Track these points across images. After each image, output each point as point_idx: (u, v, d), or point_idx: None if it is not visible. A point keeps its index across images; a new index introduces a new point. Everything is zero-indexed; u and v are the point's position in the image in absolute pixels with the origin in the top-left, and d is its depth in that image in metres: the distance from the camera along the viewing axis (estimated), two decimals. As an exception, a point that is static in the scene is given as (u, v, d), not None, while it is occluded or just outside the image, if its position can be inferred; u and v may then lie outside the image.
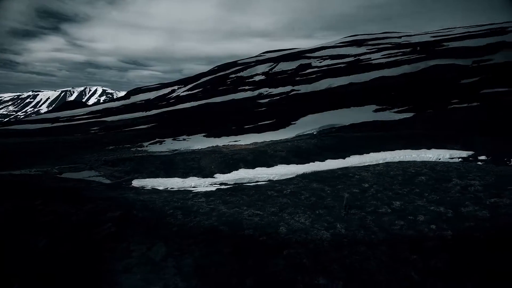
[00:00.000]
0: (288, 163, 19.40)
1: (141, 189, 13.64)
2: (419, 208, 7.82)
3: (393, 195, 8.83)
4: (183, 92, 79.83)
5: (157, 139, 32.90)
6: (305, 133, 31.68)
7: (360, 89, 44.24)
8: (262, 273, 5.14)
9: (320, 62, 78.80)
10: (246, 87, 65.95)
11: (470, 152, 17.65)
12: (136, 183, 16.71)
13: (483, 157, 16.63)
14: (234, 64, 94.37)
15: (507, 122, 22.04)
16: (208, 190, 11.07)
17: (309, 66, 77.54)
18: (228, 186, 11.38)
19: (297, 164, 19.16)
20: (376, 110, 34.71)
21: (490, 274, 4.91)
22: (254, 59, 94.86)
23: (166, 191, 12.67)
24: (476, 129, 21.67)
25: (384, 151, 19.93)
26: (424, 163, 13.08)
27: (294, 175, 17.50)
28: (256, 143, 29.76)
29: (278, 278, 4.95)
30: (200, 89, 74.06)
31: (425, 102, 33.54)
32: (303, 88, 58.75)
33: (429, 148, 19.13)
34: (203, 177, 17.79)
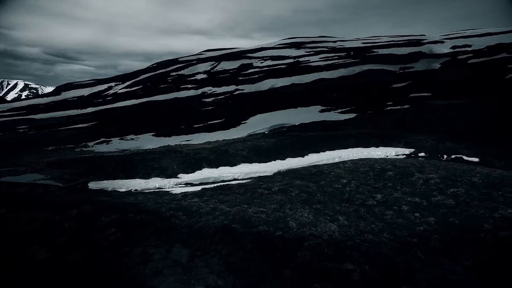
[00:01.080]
0: (250, 162, 19.84)
1: (113, 192, 13.01)
2: (398, 199, 8.88)
3: (372, 189, 9.83)
4: (121, 89, 75.53)
5: (103, 139, 30.97)
6: (257, 132, 32.45)
7: (304, 90, 46.41)
8: (294, 264, 5.54)
9: (262, 63, 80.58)
10: (189, 86, 64.80)
11: (412, 149, 19.84)
12: (93, 185, 15.85)
13: (422, 154, 18.85)
14: (174, 61, 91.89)
15: (434, 123, 25.19)
16: (194, 190, 11.04)
17: (250, 66, 78.79)
18: (215, 185, 11.45)
19: (259, 163, 19.70)
20: (321, 111, 36.85)
21: (473, 253, 5.95)
22: (195, 57, 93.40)
23: (143, 193, 12.29)
24: (411, 129, 24.39)
25: (338, 149, 21.43)
26: (385, 160, 14.53)
27: (259, 174, 18.08)
28: (209, 142, 29.72)
29: (311, 267, 5.40)
30: (140, 87, 70.79)
31: (364, 104, 36.55)
32: (247, 88, 59.64)
33: (377, 146, 21.06)
34: (167, 178, 17.45)
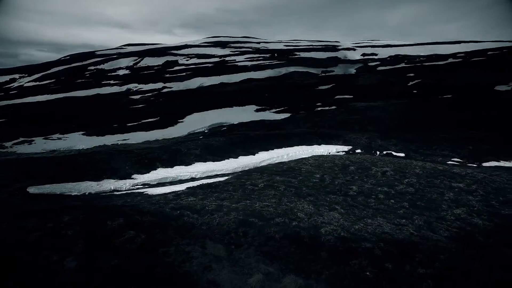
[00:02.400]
0: (205, 161, 20.08)
1: (82, 196, 12.18)
2: (371, 189, 10.40)
3: (346, 182, 11.23)
4: (27, 82, 66.63)
5: (22, 138, 27.52)
6: (197, 131, 32.39)
7: (236, 89, 47.44)
8: (324, 247, 6.39)
9: (187, 60, 79.37)
10: (112, 82, 60.61)
11: (350, 147, 22.28)
12: (34, 190, 14.60)
13: (358, 150, 21.37)
14: (91, 55, 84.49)
15: (362, 122, 28.53)
16: (179, 189, 11.06)
17: (176, 63, 77.04)
18: (196, 184, 11.59)
19: (213, 161, 20.07)
20: (257, 110, 38.33)
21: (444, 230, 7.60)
22: (114, 52, 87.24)
23: (116, 195, 11.80)
24: (344, 128, 27.25)
25: (285, 147, 22.90)
26: (340, 157, 16.29)
27: (216, 173, 18.49)
28: (148, 141, 28.79)
29: (340, 248, 6.32)
30: (52, 80, 63.52)
31: (296, 104, 39.12)
32: (175, 86, 58.42)
33: (319, 144, 23.10)
34: (121, 179, 16.80)
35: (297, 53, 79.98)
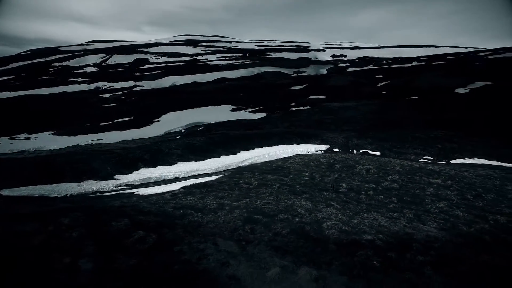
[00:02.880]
0: (187, 161, 20.08)
1: (68, 197, 11.87)
2: (360, 186, 11.02)
3: (334, 179, 11.79)
4: (-17, 78, 62.39)
5: (-15, 139, 25.95)
6: (173, 130, 32.07)
7: (211, 89, 47.30)
8: (331, 240, 6.82)
9: (158, 59, 77.90)
10: (79, 79, 58.23)
11: (328, 146, 23.08)
12: (8, 193, 14.14)
13: (336, 149, 22.20)
14: (54, 50, 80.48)
15: (337, 122, 29.56)
16: (174, 189, 11.10)
17: (146, 61, 75.37)
18: (191, 184, 11.66)
19: (196, 161, 20.12)
20: (233, 110, 38.51)
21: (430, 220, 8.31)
22: (80, 48, 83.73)
23: (106, 196, 11.62)
24: (321, 128, 28.12)
25: (265, 146, 23.32)
26: (324, 155, 16.90)
27: (199, 172, 18.57)
28: (125, 141, 28.20)
29: (345, 241, 6.78)
30: (12, 77, 59.91)
31: (271, 104, 39.70)
32: (147, 85, 57.23)
33: (298, 143, 23.72)
34: (103, 180, 16.51)
35: (269, 53, 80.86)
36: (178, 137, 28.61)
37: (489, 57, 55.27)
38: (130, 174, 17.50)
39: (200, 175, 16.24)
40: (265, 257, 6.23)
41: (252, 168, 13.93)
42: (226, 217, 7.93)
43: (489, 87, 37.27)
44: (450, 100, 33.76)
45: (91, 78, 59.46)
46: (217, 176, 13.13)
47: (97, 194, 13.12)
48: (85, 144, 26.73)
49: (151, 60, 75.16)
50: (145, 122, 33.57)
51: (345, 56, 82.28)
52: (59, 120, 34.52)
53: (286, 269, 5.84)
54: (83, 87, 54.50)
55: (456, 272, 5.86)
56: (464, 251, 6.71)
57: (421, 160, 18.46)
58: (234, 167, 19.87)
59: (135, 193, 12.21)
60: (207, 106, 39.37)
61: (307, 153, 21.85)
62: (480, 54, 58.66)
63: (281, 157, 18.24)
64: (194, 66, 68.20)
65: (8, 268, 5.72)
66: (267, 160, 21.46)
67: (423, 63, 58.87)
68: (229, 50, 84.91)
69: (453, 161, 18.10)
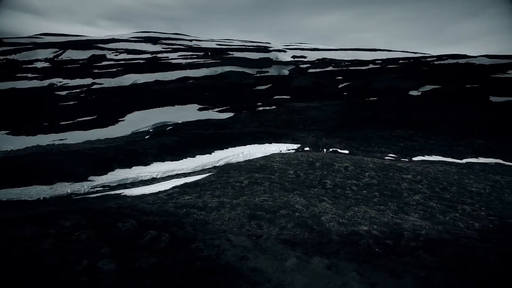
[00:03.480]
0: (163, 161, 20.00)
1: (48, 200, 11.43)
2: (343, 183, 11.86)
3: (318, 176, 12.53)
4: None
5: None
6: (140, 130, 31.37)
7: (175, 88, 46.61)
8: (333, 231, 7.45)
9: (116, 55, 74.97)
10: (29, 75, 54.40)
11: (299, 145, 23.99)
12: None
13: (307, 148, 23.17)
14: (-3, 42, 74.20)
15: (305, 122, 30.68)
16: (165, 188, 11.16)
17: (104, 58, 72.24)
18: (182, 183, 11.76)
19: (171, 161, 20.11)
20: (200, 109, 38.38)
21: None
22: (29, 41, 78.01)
23: (98, 197, 11.36)
24: (290, 127, 29.05)
25: (238, 146, 23.73)
26: (302, 154, 17.66)
27: (176, 172, 18.60)
28: (90, 141, 27.15)
29: (345, 232, 7.46)
30: (-51, 71, 54.31)
31: (238, 104, 40.09)
32: (106, 82, 55.02)
33: (270, 143, 24.39)
34: (77, 181, 16.04)
35: (231, 52, 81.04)
36: (147, 137, 28.10)
37: (434, 62, 60.05)
38: (105, 175, 17.11)
39: (186, 175, 16.31)
40: (278, 250, 6.71)
41: (237, 167, 14.30)
42: (230, 215, 8.28)
43: (438, 90, 40.69)
44: (405, 102, 36.41)
45: (44, 74, 55.82)
46: (205, 175, 13.34)
47: (80, 196, 12.76)
48: (47, 145, 25.37)
49: (109, 56, 72.11)
50: (110, 122, 32.45)
51: (305, 57, 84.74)
52: (12, 118, 32.25)
53: (301, 259, 6.37)
54: (35, 83, 51.08)
55: (444, 254, 6.75)
56: (445, 236, 7.68)
57: (386, 157, 19.91)
58: (211, 166, 20.08)
59: (122, 194, 12.08)
60: (173, 105, 38.85)
61: (280, 152, 22.59)
62: (427, 59, 63.51)
63: (259, 156, 18.83)
64: (155, 64, 66.58)
65: (29, 274, 5.64)
66: (242, 159, 21.90)
67: (378, 66, 62.50)
68: (190, 48, 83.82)
69: (414, 158, 19.75)
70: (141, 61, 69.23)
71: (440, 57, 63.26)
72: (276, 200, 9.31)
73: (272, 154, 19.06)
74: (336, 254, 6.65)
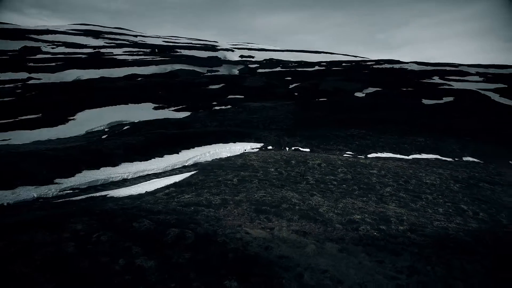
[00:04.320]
0: (132, 161, 19.73)
1: (18, 205, 10.86)
2: (323, 178, 13.05)
3: (298, 173, 13.58)
4: None
5: None
6: (95, 129, 29.96)
7: (126, 86, 44.86)
8: (334, 221, 8.47)
9: (53, 48, 69.45)
10: (-50, 67, 48.13)
11: (262, 144, 25.01)
12: None
13: (270, 147, 24.29)
14: None
15: (264, 121, 31.81)
16: (156, 188, 11.32)
17: (38, 50, 66.48)
18: (172, 182, 11.95)
19: (140, 161, 19.92)
20: (155, 108, 37.58)
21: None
22: None
23: (85, 199, 11.09)
24: (250, 126, 29.94)
25: (204, 145, 24.07)
26: (275, 153, 18.60)
27: (147, 173, 18.55)
28: (40, 141, 25.41)
29: (345, 220, 8.53)
30: None
31: (193, 103, 39.96)
32: (45, 77, 50.95)
33: (234, 142, 25.07)
34: (42, 185, 15.34)
35: (178, 50, 79.63)
36: (105, 136, 27.05)
37: (373, 66, 65.39)
38: (73, 177, 16.52)
39: (158, 175, 16.35)
40: (294, 239, 7.54)
41: (220, 167, 14.77)
42: (237, 210, 8.90)
43: (379, 92, 44.63)
44: (353, 102, 39.43)
45: (-33, 67, 49.88)
46: (189, 174, 13.66)
47: (61, 200, 12.28)
48: (-10, 146, 23.18)
49: (44, 49, 66.45)
50: (59, 120, 30.47)
51: (253, 57, 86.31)
52: None
53: (316, 245, 7.27)
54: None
55: (426, 234, 8.15)
56: (422, 220, 9.16)
57: (345, 155, 21.76)
58: (180, 166, 20.26)
59: (110, 195, 11.96)
60: (127, 104, 37.52)
61: (245, 151, 23.41)
62: (367, 63, 68.85)
63: (228, 155, 19.53)
64: (98, 59, 63.01)
65: (71, 279, 5.73)
66: (210, 158, 22.35)
67: (324, 68, 66.20)
68: (135, 44, 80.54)
69: (369, 155, 21.87)
70: (83, 56, 65.03)
71: (378, 62, 68.98)
72: (273, 196, 10.11)
73: (245, 153, 19.79)
74: (343, 240, 7.67)
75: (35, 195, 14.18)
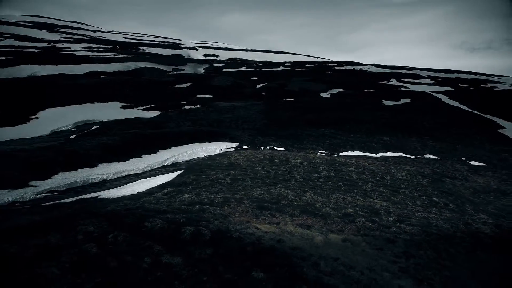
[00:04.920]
0: (109, 162, 19.45)
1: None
2: (308, 175, 13.85)
3: (285, 170, 14.28)
4: None
5: None
6: (61, 129, 28.63)
7: (92, 83, 43.08)
8: (334, 212, 9.25)
9: (1, 41, 64.64)
10: None
11: (237, 143, 25.51)
12: None
13: (245, 146, 24.85)
14: None
15: (236, 121, 32.25)
16: (149, 187, 11.44)
17: (-16, 43, 61.55)
18: (165, 182, 12.08)
19: (118, 161, 19.67)
20: (123, 107, 36.55)
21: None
22: None
23: (75, 201, 10.92)
24: (223, 126, 30.25)
25: (180, 145, 24.10)
26: (257, 152, 19.15)
27: (127, 173, 18.45)
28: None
29: (341, 212, 9.34)
30: None
31: (163, 102, 39.37)
32: (-5, 73, 47.40)
33: (210, 142, 25.35)
34: (16, 188, 14.86)
35: (141, 47, 77.49)
36: (73, 136, 26.07)
37: (336, 68, 68.15)
38: (49, 180, 16.08)
39: (147, 175, 16.35)
40: (301, 231, 8.20)
41: (208, 166, 15.05)
42: (241, 208, 9.40)
43: (343, 93, 46.80)
44: (319, 103, 41.04)
45: None
46: (178, 173, 13.87)
47: (48, 203, 11.94)
48: None
49: (-8, 42, 61.58)
50: (20, 119, 28.77)
51: (217, 56, 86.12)
52: None
53: (322, 237, 7.98)
54: None
55: (412, 223, 9.19)
56: (406, 212, 10.24)
57: (318, 154, 22.87)
58: (159, 166, 20.29)
59: (100, 197, 11.90)
60: (93, 103, 36.13)
61: (221, 150, 23.81)
62: (329, 64, 71.61)
63: (204, 155, 20.17)
64: (55, 55, 59.64)
65: (107, 279, 5.90)
66: (187, 158, 22.51)
67: (288, 68, 67.83)
68: (94, 40, 77.09)
69: (341, 154, 23.17)
70: (37, 50, 61.18)
71: (339, 63, 71.97)
72: (270, 193, 10.71)
73: (228, 152, 20.18)
74: (343, 231, 8.46)
75: (10, 199, 13.75)
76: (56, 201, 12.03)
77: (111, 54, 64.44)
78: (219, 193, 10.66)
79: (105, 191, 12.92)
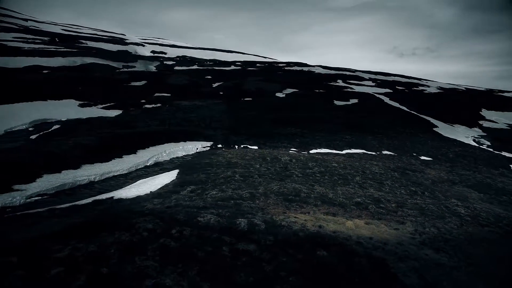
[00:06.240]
0: (92, 163, 19.21)
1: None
2: (304, 171, 15.36)
3: (281, 168, 15.62)
4: None
5: None
6: (16, 128, 26.55)
7: (39, 79, 39.90)
8: (336, 204, 10.84)
9: None
10: None
11: (212, 142, 26.27)
12: None
13: (220, 145, 25.74)
14: None
15: (204, 121, 32.75)
16: (151, 190, 11.98)
17: None
18: (164, 183, 12.65)
19: (101, 162, 19.49)
20: (81, 105, 34.72)
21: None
22: None
23: (80, 206, 11.04)
24: (193, 125, 30.60)
25: (157, 145, 24.22)
26: (246, 150, 20.12)
27: (113, 174, 18.48)
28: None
29: (345, 205, 10.99)
30: None
31: (122, 101, 38.13)
32: None
33: (185, 141, 25.76)
34: (2, 192, 14.43)
35: (83, 41, 72.83)
36: (34, 136, 24.63)
37: (285, 68, 71.16)
38: (35, 183, 15.72)
39: (133, 174, 16.55)
40: (332, 218, 9.65)
41: (209, 165, 15.74)
42: (271, 201, 10.56)
43: (297, 93, 49.50)
44: (277, 102, 43.07)
45: None
46: (173, 172, 14.51)
47: (64, 205, 11.82)
48: None
49: None
50: (-34, 119, 26.16)
51: (165, 53, 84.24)
52: None
53: (351, 222, 9.51)
54: None
55: (409, 207, 11.18)
56: (399, 199, 12.28)
57: (290, 151, 24.63)
58: (143, 166, 20.43)
59: (115, 198, 12.12)
60: (46, 100, 33.77)
61: (197, 149, 24.47)
62: (279, 65, 74.46)
63: (183, 154, 21.35)
64: (-16, 45, 53.73)
65: (207, 266, 6.70)
66: (167, 158, 22.83)
67: (240, 67, 69.11)
68: (27, 30, 70.40)
69: (311, 151, 25.18)
70: (-40, 40, 54.49)
71: (288, 64, 75.18)
72: (287, 188, 12.02)
73: (219, 152, 20.80)
74: (361, 216, 10.11)
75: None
76: (72, 204, 11.93)
77: (51, 47, 59.79)
78: (242, 189, 11.66)
79: (114, 192, 13.11)
